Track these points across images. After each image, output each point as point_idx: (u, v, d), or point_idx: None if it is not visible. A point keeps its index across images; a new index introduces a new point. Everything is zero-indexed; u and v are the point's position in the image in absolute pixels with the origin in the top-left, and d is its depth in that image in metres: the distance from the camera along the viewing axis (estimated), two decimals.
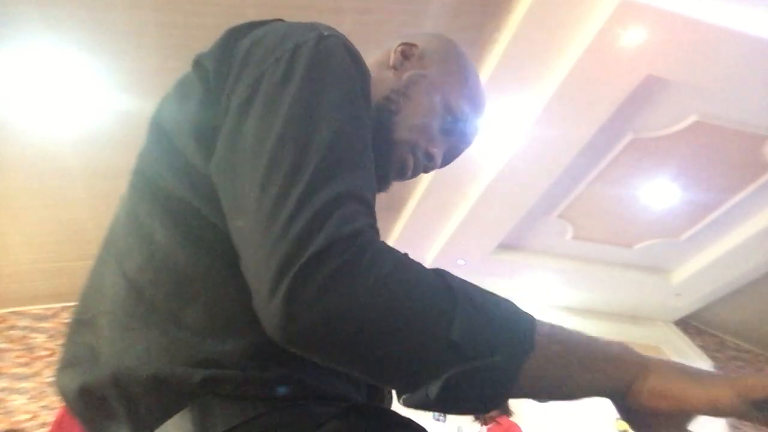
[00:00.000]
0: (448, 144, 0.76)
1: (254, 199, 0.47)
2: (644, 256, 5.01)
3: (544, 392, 0.49)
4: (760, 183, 4.00)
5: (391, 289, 0.44)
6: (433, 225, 4.57)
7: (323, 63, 0.54)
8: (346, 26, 2.88)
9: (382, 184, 0.73)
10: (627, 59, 2.93)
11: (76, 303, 0.60)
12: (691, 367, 0.51)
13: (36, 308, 4.62)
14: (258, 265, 0.45)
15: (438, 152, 0.74)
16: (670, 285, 5.32)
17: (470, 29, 3.02)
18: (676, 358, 6.00)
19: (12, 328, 4.52)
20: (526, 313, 0.50)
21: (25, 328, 4.55)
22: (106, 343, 0.53)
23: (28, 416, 4.19)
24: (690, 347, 6.11)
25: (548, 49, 3.01)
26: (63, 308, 4.71)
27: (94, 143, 3.20)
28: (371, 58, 0.76)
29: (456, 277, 0.49)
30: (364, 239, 0.45)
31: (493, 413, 3.30)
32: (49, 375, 4.29)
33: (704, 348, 6.15)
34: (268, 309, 0.43)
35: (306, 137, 0.49)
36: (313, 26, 0.60)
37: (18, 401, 4.25)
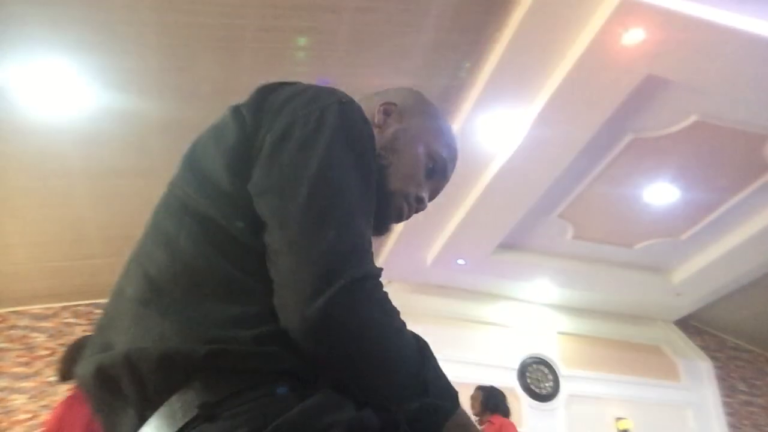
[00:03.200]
0: (431, 185, 0.88)
1: (295, 226, 0.59)
2: (644, 256, 5.01)
3: None
4: (760, 183, 4.00)
5: (393, 324, 0.61)
6: (433, 225, 4.57)
7: (345, 124, 0.67)
8: (346, 26, 2.88)
9: (383, 230, 0.85)
10: (627, 59, 2.93)
11: (104, 309, 0.69)
12: None
13: (36, 308, 4.62)
14: (298, 273, 0.57)
15: (426, 195, 0.87)
16: (670, 285, 5.32)
17: (470, 29, 3.02)
18: (676, 358, 6.01)
19: (12, 327, 4.52)
20: (451, 386, 0.67)
21: (25, 327, 4.55)
22: (123, 333, 0.61)
23: (28, 416, 4.19)
24: (690, 347, 6.12)
25: (548, 49, 3.01)
26: (63, 308, 4.71)
27: (94, 143, 3.20)
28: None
29: (422, 339, 0.67)
30: (379, 282, 0.61)
31: (485, 415, 3.34)
32: (49, 374, 4.29)
33: (704, 348, 6.16)
34: (304, 314, 0.55)
35: (339, 180, 0.62)
36: (333, 92, 0.72)
37: (18, 401, 4.25)
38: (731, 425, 5.73)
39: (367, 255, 0.61)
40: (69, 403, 2.32)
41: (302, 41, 2.83)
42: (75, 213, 3.69)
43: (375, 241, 0.87)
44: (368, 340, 0.58)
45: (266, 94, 0.72)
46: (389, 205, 0.82)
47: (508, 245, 4.89)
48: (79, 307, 4.74)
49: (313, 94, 0.70)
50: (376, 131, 0.82)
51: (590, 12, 2.78)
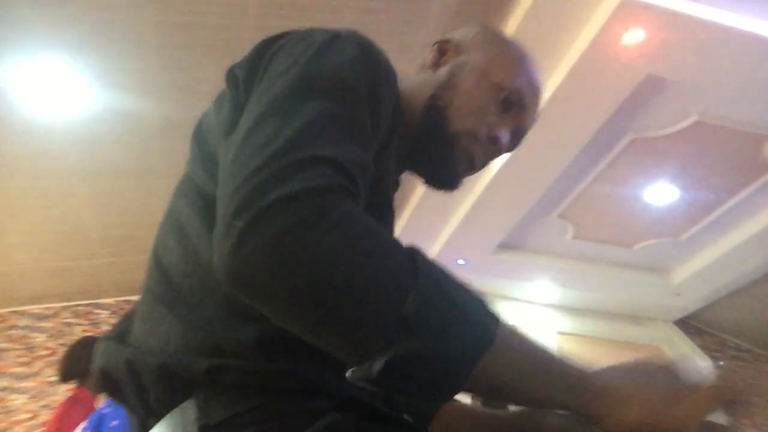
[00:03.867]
0: (510, 122, 0.73)
1: (232, 154, 0.48)
2: (644, 256, 5.01)
3: (498, 393, 0.48)
4: (760, 183, 4.00)
5: (348, 252, 0.42)
6: (433, 225, 4.57)
7: (327, 53, 0.55)
8: (346, 26, 2.87)
9: (454, 182, 0.74)
10: (627, 59, 2.92)
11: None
12: (658, 386, 0.52)
13: (36, 308, 4.62)
14: (221, 208, 0.45)
15: (502, 133, 0.72)
16: (670, 285, 5.32)
17: None
18: (676, 359, 5.99)
19: (12, 327, 4.52)
20: (493, 310, 0.48)
21: (25, 327, 4.55)
22: (136, 326, 0.58)
23: (28, 416, 4.19)
24: (690, 347, 6.11)
25: (548, 49, 3.01)
26: (63, 308, 4.71)
27: (94, 143, 3.20)
28: (416, 66, 0.78)
29: (429, 261, 0.47)
30: (334, 198, 0.44)
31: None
32: (49, 374, 4.29)
33: (704, 348, 6.15)
34: (220, 249, 0.43)
35: (292, 108, 0.49)
36: (336, 30, 0.60)
37: (18, 401, 4.25)
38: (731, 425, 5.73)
39: (316, 169, 0.44)
40: (69, 403, 2.33)
41: None
42: (75, 213, 3.69)
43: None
44: (302, 277, 0.41)
45: (263, 48, 0.61)
46: (455, 150, 0.70)
47: (508, 245, 4.89)
48: (79, 307, 4.74)
49: (308, 33, 0.60)
50: (428, 73, 0.74)
51: (590, 12, 2.78)
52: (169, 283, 0.57)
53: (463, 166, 0.72)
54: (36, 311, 4.62)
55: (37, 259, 4.06)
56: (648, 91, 3.20)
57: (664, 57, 2.92)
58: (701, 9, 2.68)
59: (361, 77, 0.54)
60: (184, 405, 0.50)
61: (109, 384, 0.57)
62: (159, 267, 0.59)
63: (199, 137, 0.64)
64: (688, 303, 5.66)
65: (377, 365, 0.43)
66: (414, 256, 0.46)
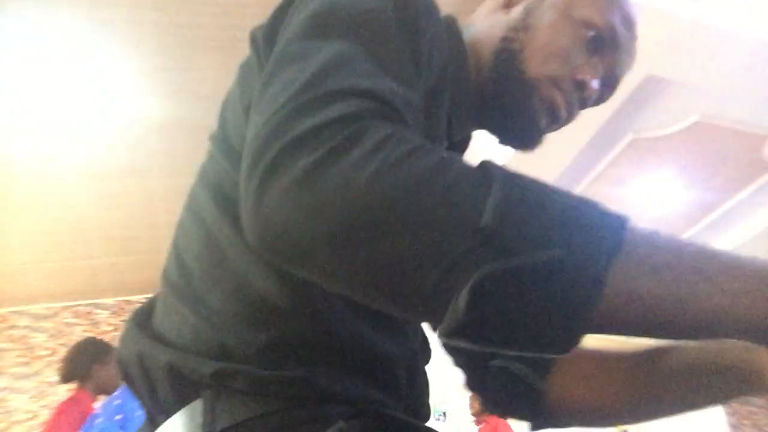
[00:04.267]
0: (601, 65, 0.64)
1: (254, 107, 0.43)
2: None
3: (647, 324, 0.31)
4: (760, 183, 4.00)
5: (394, 175, 0.33)
6: None
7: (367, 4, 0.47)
8: None
9: (535, 137, 0.64)
10: None
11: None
12: None
13: (36, 308, 4.62)
14: (243, 158, 0.39)
15: (590, 77, 0.62)
16: None
17: None
18: None
19: (12, 327, 4.52)
20: (614, 211, 0.35)
21: (25, 327, 4.55)
22: (158, 306, 0.56)
23: (28, 416, 4.19)
24: None
25: None
26: (63, 308, 4.70)
27: (94, 142, 3.20)
28: (482, 9, 0.68)
29: (499, 166, 0.36)
30: (372, 122, 0.36)
31: (483, 415, 3.30)
32: (49, 374, 4.29)
33: None
34: (244, 200, 0.37)
35: (314, 48, 0.43)
36: None
37: (18, 401, 4.24)
38: (731, 425, 5.73)
39: (338, 99, 0.37)
40: (67, 405, 2.33)
41: None
42: (75, 213, 3.69)
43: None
44: (352, 225, 0.33)
45: (286, 6, 0.54)
46: (533, 101, 0.61)
47: None
48: (79, 307, 4.74)
49: None
50: (498, 15, 0.64)
51: None
52: (183, 267, 0.54)
53: (546, 118, 0.63)
54: (36, 311, 4.62)
55: (37, 259, 4.06)
56: (648, 91, 3.20)
57: (664, 57, 2.92)
58: (701, 9, 2.68)
59: (389, 13, 0.46)
60: (190, 406, 0.49)
61: (126, 375, 0.56)
62: (176, 254, 0.56)
63: (224, 110, 0.60)
64: None
65: (462, 301, 0.31)
66: (485, 164, 0.36)
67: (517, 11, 0.63)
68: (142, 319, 0.58)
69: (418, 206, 0.32)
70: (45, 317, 4.63)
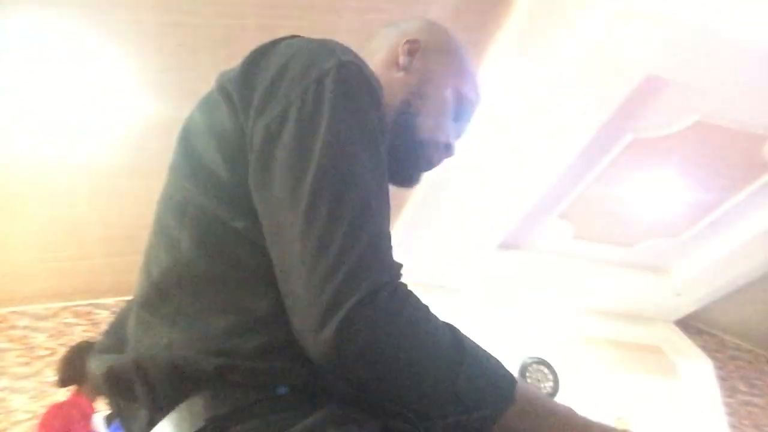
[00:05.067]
0: (458, 130, 0.82)
1: (298, 241, 0.53)
2: (644, 256, 5.01)
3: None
4: (760, 183, 4.00)
5: (418, 335, 0.54)
6: (433, 225, 4.57)
7: (346, 95, 0.59)
8: (345, 26, 2.88)
9: (414, 180, 0.81)
10: (627, 59, 2.92)
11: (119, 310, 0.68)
12: None
13: (36, 308, 4.62)
14: (305, 300, 0.52)
15: (455, 142, 0.80)
16: (670, 285, 5.32)
17: (470, 29, 3.02)
18: (676, 358, 6.00)
19: (12, 327, 4.52)
20: (509, 372, 0.60)
21: (25, 327, 4.55)
22: (133, 337, 0.60)
23: (28, 416, 4.19)
24: (690, 347, 6.11)
25: (548, 49, 3.01)
26: (63, 308, 4.70)
27: (93, 142, 3.20)
28: (375, 55, 0.80)
29: (464, 335, 0.59)
30: (401, 289, 0.55)
31: None
32: (49, 374, 4.29)
33: (704, 348, 6.15)
34: (316, 339, 0.51)
35: (340, 182, 0.55)
36: (331, 50, 0.63)
37: (18, 401, 4.25)
38: (731, 425, 5.73)
39: (378, 257, 0.54)
40: (63, 407, 2.33)
41: None
42: (75, 213, 3.69)
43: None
44: (385, 363, 0.52)
45: (255, 63, 0.64)
46: (420, 155, 0.77)
47: (508, 245, 4.89)
48: (79, 307, 4.74)
49: (308, 59, 0.61)
50: (401, 75, 0.78)
51: (590, 12, 2.78)
52: (164, 296, 0.59)
53: (424, 168, 0.80)
54: (36, 311, 4.62)
55: (37, 259, 4.06)
56: (648, 91, 3.20)
57: (664, 57, 2.92)
58: (701, 9, 2.68)
59: (374, 110, 0.61)
60: (191, 400, 0.53)
61: (116, 383, 0.58)
62: (150, 281, 0.62)
63: (187, 146, 0.67)
64: (688, 303, 5.66)
65: (437, 428, 0.56)
66: (455, 333, 0.59)
67: (414, 77, 0.77)
68: (115, 348, 0.62)
69: (427, 361, 0.54)
70: (45, 317, 4.63)
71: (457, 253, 4.86)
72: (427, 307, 0.57)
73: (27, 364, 4.41)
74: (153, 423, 0.55)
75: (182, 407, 0.53)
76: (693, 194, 4.16)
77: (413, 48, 0.79)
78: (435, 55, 0.80)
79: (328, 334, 0.50)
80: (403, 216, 4.56)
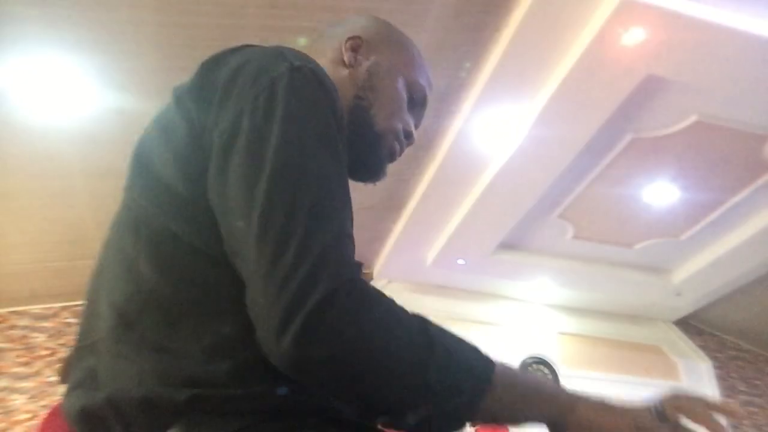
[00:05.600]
0: (415, 116, 0.83)
1: (254, 248, 0.51)
2: (644, 256, 5.01)
3: (497, 419, 0.58)
4: (760, 183, 4.00)
5: (382, 332, 0.52)
6: (433, 225, 4.57)
7: (299, 98, 0.58)
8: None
9: (380, 173, 0.81)
10: (627, 59, 2.92)
11: (78, 329, 0.65)
12: (610, 401, 0.61)
13: (36, 308, 4.62)
14: (265, 307, 0.50)
15: (414, 128, 0.82)
16: (670, 285, 5.32)
17: (470, 29, 3.02)
18: (676, 358, 6.00)
19: (12, 327, 4.52)
20: (486, 356, 0.58)
21: (25, 327, 4.55)
22: (102, 368, 0.58)
23: (28, 416, 4.19)
24: (690, 347, 6.11)
25: (548, 49, 3.01)
26: (63, 308, 4.70)
27: (93, 143, 3.20)
28: (322, 57, 0.80)
29: (433, 324, 0.57)
30: (361, 286, 0.52)
31: None
32: (49, 374, 4.29)
33: (704, 348, 6.15)
34: (278, 346, 0.49)
35: (295, 184, 0.53)
36: (282, 55, 0.62)
37: (18, 401, 4.24)
38: (731, 425, 5.73)
39: (335, 258, 0.52)
40: (52, 413, 2.33)
41: (302, 41, 2.82)
42: (75, 213, 3.69)
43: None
44: (350, 364, 0.50)
45: (208, 73, 0.65)
46: (380, 147, 0.78)
47: (508, 245, 4.89)
48: (79, 307, 4.72)
49: (259, 66, 0.61)
50: (348, 72, 0.78)
51: (590, 12, 2.78)
52: (129, 324, 0.57)
53: (387, 159, 0.80)
54: (36, 311, 4.62)
55: (37, 259, 4.06)
56: (648, 91, 3.20)
57: (664, 57, 2.92)
58: (701, 9, 2.68)
59: (331, 114, 0.60)
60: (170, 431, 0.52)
61: (91, 421, 0.57)
62: (113, 308, 0.59)
63: (142, 164, 0.66)
64: (688, 303, 5.66)
65: (410, 420, 0.54)
66: (425, 324, 0.56)
67: (361, 72, 0.78)
68: (86, 383, 0.59)
69: (394, 359, 0.52)
70: (45, 317, 4.63)
71: (458, 253, 4.86)
72: (390, 301, 0.55)
73: (27, 364, 4.41)
74: None
75: None
76: (693, 194, 4.15)
77: (356, 44, 0.81)
78: (379, 47, 0.81)
79: (288, 341, 0.48)
80: (403, 216, 4.56)
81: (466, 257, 4.94)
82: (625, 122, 3.49)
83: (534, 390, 0.59)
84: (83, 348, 0.62)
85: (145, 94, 2.96)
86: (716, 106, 3.33)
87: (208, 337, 0.54)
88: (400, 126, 0.79)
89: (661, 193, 4.17)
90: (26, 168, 3.29)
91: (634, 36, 2.78)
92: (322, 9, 2.72)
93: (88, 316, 0.64)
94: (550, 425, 0.59)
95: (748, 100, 3.22)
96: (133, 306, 0.58)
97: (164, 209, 0.59)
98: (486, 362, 0.57)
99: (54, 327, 4.61)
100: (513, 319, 5.65)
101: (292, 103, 0.57)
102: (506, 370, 0.58)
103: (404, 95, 0.80)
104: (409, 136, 0.81)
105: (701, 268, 4.99)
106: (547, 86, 3.19)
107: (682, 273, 5.18)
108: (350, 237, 0.55)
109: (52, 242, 3.90)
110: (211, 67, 0.67)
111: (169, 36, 2.70)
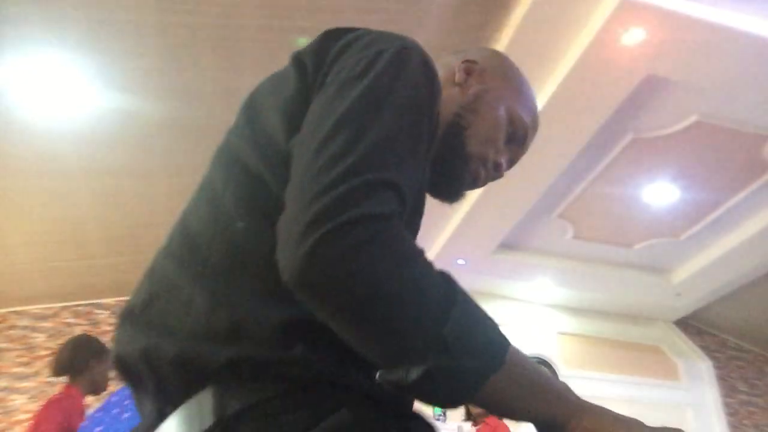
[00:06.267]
0: (510, 153, 0.81)
1: (307, 159, 0.51)
2: (644, 256, 5.02)
3: (497, 405, 0.54)
4: (760, 183, 4.00)
5: (403, 273, 0.48)
6: (433, 225, 4.57)
7: (399, 68, 0.59)
8: (346, 26, 2.88)
9: (457, 195, 0.80)
10: (627, 59, 2.93)
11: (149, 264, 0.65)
12: (621, 416, 0.58)
13: (36, 308, 4.62)
14: (295, 212, 0.49)
15: (504, 163, 0.80)
16: (670, 285, 5.32)
17: (470, 29, 3.02)
18: (676, 358, 6.00)
19: (12, 327, 4.52)
20: (504, 335, 0.54)
21: (25, 327, 4.55)
22: (156, 296, 0.59)
23: (28, 416, 4.19)
24: (690, 347, 6.11)
25: (548, 49, 3.01)
26: (63, 308, 4.71)
27: (94, 142, 3.20)
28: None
29: (460, 286, 0.53)
30: (395, 224, 0.49)
31: (481, 412, 3.31)
32: (49, 374, 4.29)
33: (704, 348, 6.16)
34: (293, 253, 0.47)
35: (366, 123, 0.53)
36: (399, 37, 0.64)
37: (18, 401, 4.25)
38: (731, 425, 5.73)
39: (385, 192, 0.50)
40: (55, 400, 2.34)
41: (302, 41, 2.82)
42: (75, 213, 3.69)
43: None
44: (357, 296, 0.46)
45: (329, 40, 0.66)
46: (465, 170, 0.77)
47: (508, 245, 4.89)
48: (79, 307, 4.74)
49: (375, 38, 0.63)
50: (456, 90, 0.79)
51: (590, 12, 2.78)
52: (196, 250, 0.58)
53: (468, 184, 0.79)
54: (36, 311, 4.62)
55: (37, 259, 4.07)
56: (648, 91, 3.21)
57: (664, 57, 2.92)
58: (701, 9, 2.68)
59: (425, 96, 0.59)
60: (200, 395, 0.51)
61: (127, 372, 0.58)
62: (186, 234, 0.61)
63: (251, 111, 0.66)
64: (688, 303, 5.67)
65: (414, 374, 0.48)
66: (451, 280, 0.53)
67: (470, 93, 0.78)
68: (136, 315, 0.60)
69: (411, 300, 0.48)
70: (45, 317, 4.63)
71: (458, 253, 4.86)
72: (421, 251, 0.52)
73: (27, 364, 4.41)
74: (162, 415, 0.54)
75: (190, 404, 0.52)
76: (693, 194, 4.16)
77: (470, 68, 0.81)
78: (492, 77, 0.81)
79: (307, 246, 0.46)
80: None
81: (466, 257, 4.94)
82: (626, 122, 3.49)
83: (545, 383, 0.55)
84: (145, 275, 0.63)
85: (145, 94, 2.96)
86: (716, 106, 3.34)
87: (267, 281, 0.53)
88: (491, 155, 0.78)
89: (661, 193, 4.17)
90: (26, 168, 3.30)
91: (634, 36, 2.78)
92: (322, 9, 2.72)
93: (160, 250, 0.64)
94: (542, 426, 0.55)
95: (749, 100, 3.22)
96: (206, 235, 0.58)
97: (260, 155, 0.60)
98: (505, 339, 0.54)
99: (54, 327, 4.61)
100: (513, 319, 5.65)
101: (390, 69, 0.58)
102: (521, 356, 0.54)
103: (504, 127, 0.78)
104: (498, 168, 0.79)
105: (701, 268, 4.99)
106: (547, 86, 3.19)
107: (682, 273, 5.18)
108: (401, 192, 0.52)
109: (52, 242, 3.91)
110: (332, 35, 0.67)
111: (169, 36, 2.70)
